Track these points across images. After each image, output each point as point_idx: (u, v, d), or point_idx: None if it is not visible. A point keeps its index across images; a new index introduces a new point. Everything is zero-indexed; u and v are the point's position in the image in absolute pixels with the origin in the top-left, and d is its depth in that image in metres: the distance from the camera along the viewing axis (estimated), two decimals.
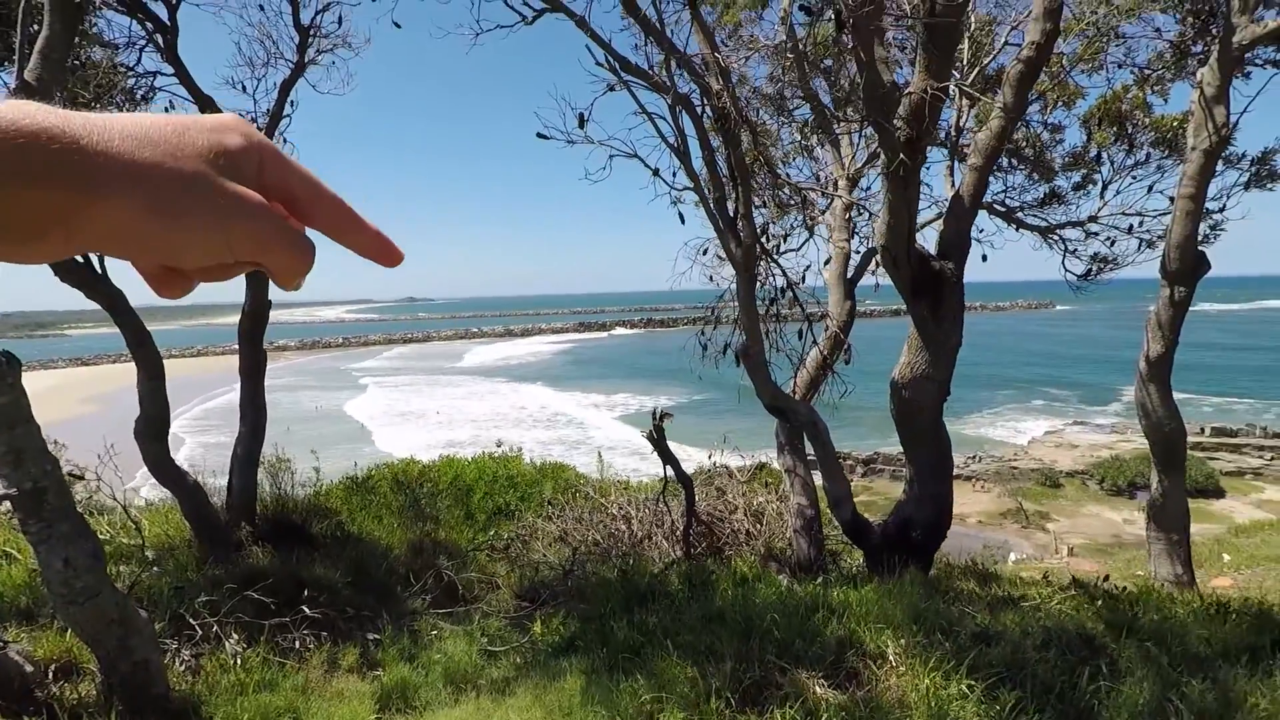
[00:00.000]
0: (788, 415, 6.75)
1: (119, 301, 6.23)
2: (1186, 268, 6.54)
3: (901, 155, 4.37)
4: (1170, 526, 6.91)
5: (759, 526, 8.95)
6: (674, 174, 5.89)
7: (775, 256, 6.79)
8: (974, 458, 33.87)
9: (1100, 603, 4.70)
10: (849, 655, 4.10)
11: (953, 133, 6.51)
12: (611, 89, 5.17)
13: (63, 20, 4.60)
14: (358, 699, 4.74)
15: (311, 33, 7.87)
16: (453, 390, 59.30)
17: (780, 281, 6.86)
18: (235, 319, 7.60)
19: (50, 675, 4.31)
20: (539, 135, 5.36)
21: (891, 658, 3.97)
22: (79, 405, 46.35)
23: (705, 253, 7.05)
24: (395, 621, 6.21)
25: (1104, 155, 7.91)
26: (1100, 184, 8.17)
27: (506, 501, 10.53)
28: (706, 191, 5.94)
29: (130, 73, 7.72)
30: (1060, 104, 7.86)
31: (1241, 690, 3.39)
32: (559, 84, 5.63)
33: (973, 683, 3.60)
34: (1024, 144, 8.06)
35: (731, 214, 6.20)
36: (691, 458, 11.73)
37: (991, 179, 8.61)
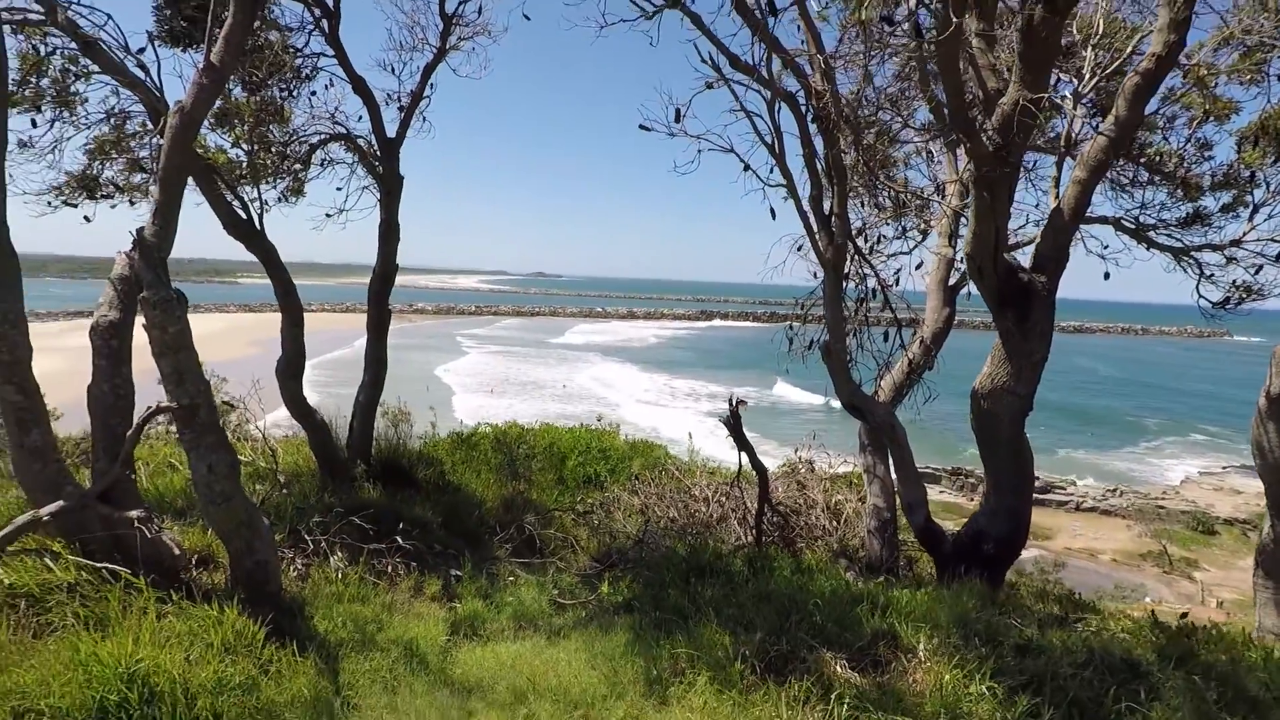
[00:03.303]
0: (865, 415, 6.77)
1: (273, 255, 7.18)
2: None
3: (985, 167, 4.34)
4: None
5: (835, 523, 8.98)
6: (770, 170, 6.05)
7: (868, 257, 6.80)
8: (1114, 490, 31.19)
9: (1157, 634, 4.53)
10: (880, 646, 4.22)
11: (1062, 144, 6.22)
12: (709, 86, 5.41)
13: (244, 10, 5.37)
14: (433, 621, 5.34)
15: (454, 21, 8.58)
16: (559, 367, 61.26)
17: (872, 283, 6.87)
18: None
19: (192, 563, 5.18)
20: (642, 127, 5.69)
21: (921, 653, 4.07)
22: (245, 347, 51.67)
23: (800, 249, 7.15)
24: (477, 563, 6.83)
25: (1258, 175, 7.25)
26: (1251, 206, 7.50)
27: (597, 472, 11.06)
28: (801, 190, 6.07)
29: (298, 54, 8.72)
30: (1210, 118, 7.26)
31: None
32: (663, 79, 5.94)
33: (995, 685, 3.66)
34: (1163, 158, 7.52)
35: (827, 212, 6.30)
36: (787, 456, 11.84)
37: (1124, 195, 8.11)
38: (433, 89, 8.65)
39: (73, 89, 6.82)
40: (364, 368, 8.29)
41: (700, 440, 12.68)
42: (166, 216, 4.54)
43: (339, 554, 5.87)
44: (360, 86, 8.15)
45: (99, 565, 4.38)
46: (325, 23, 8.06)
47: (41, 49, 6.64)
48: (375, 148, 8.47)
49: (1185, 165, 7.84)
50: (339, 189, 8.79)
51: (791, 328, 7.49)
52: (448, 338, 75.01)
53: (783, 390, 48.39)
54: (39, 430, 4.50)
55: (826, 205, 6.36)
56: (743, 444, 7.26)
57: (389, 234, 8.17)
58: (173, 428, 10.14)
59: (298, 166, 8.70)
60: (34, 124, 6.75)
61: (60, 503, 4.35)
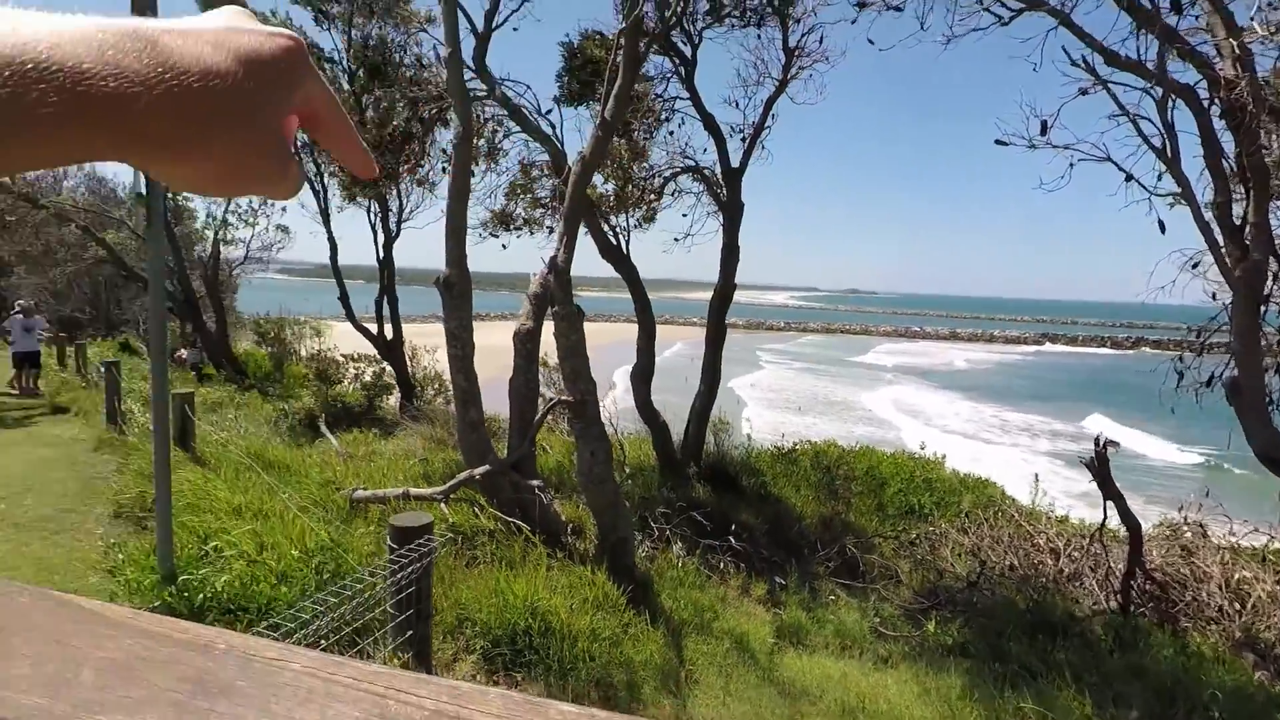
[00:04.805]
0: None
1: (634, 275, 8.23)
2: None
3: None
4: None
5: (1237, 607, 7.31)
6: (1159, 177, 5.30)
7: None
8: None
9: None
10: None
11: None
12: (1083, 92, 4.92)
13: (630, 72, 6.31)
14: (761, 622, 5.66)
15: (795, 53, 8.98)
16: (863, 386, 58.04)
17: None
18: (699, 294, 9.28)
19: (569, 531, 6.18)
20: (997, 142, 5.39)
21: None
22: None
23: (1195, 265, 6.13)
24: (800, 576, 7.02)
25: None
26: None
27: (920, 502, 10.51)
28: (1200, 197, 5.22)
29: (659, 98, 9.88)
30: None
31: None
32: (1023, 89, 5.55)
33: None
34: None
35: (1237, 221, 5.33)
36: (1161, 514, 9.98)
37: None
38: (774, 119, 9.15)
39: (499, 145, 8.67)
40: (700, 377, 9.04)
41: (1027, 483, 11.26)
42: (569, 245, 5.56)
43: (679, 543, 6.51)
44: (710, 123, 8.96)
45: (509, 519, 5.50)
46: (683, 70, 9.04)
47: (480, 117, 8.56)
48: (719, 177, 9.23)
49: None
50: (684, 215, 9.78)
51: (1181, 359, 6.40)
52: (748, 351, 76.23)
53: (1107, 429, 39.54)
54: (475, 408, 5.82)
55: (1236, 213, 5.36)
56: (1110, 492, 6.37)
57: (729, 257, 8.82)
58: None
59: (652, 197, 9.86)
60: (472, 173, 8.71)
61: (487, 466, 5.56)
